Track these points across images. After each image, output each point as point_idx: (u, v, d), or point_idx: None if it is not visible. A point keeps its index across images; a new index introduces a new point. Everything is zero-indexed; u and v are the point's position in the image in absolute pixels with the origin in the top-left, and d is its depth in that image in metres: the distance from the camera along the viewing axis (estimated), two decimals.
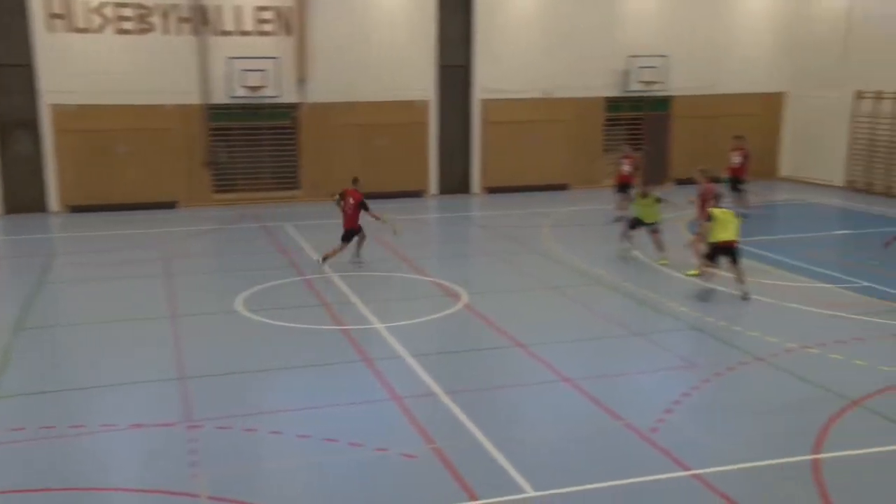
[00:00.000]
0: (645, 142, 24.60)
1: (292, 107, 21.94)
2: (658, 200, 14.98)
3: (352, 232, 14.55)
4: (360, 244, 14.75)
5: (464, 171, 23.68)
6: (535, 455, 7.76)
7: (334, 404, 8.82)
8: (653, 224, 15.09)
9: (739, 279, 12.70)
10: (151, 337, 10.98)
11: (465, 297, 12.74)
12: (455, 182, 23.61)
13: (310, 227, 18.33)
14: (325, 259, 14.40)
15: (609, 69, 23.78)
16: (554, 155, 24.01)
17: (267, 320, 11.61)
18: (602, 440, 8.08)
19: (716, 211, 12.85)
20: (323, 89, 21.90)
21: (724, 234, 12.64)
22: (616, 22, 23.73)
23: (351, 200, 14.53)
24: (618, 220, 17.62)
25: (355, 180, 14.98)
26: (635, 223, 15.27)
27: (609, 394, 9.12)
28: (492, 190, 23.65)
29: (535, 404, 8.91)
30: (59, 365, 10.15)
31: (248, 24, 21.32)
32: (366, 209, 14.45)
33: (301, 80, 21.73)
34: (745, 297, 12.59)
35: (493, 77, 23.09)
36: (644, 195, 15.18)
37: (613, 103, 24.28)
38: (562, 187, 23.98)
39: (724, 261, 12.76)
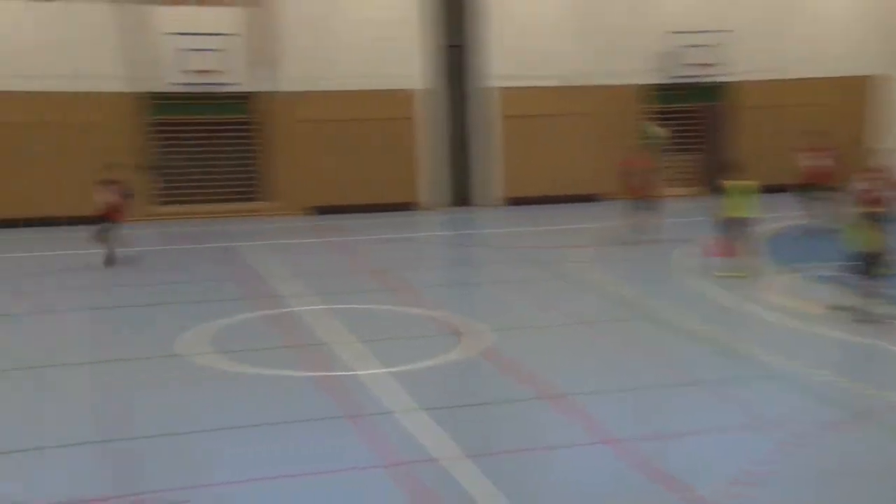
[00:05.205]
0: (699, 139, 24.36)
1: (247, 97, 21.44)
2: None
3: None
4: None
5: (464, 178, 23.27)
6: None
7: (304, 473, 8.19)
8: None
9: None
10: (63, 388, 10.39)
11: (475, 336, 12.23)
12: (457, 191, 23.21)
13: (277, 248, 17.84)
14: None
15: (646, 50, 23.43)
16: (579, 157, 23.65)
17: (217, 366, 11.05)
18: None
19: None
20: (289, 75, 21.43)
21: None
22: None
23: None
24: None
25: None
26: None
27: (669, 458, 8.52)
28: (515, 201, 23.42)
29: (576, 472, 8.30)
30: None
31: None
32: None
33: (264, 64, 21.18)
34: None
35: (505, 60, 22.70)
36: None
37: (662, 91, 24.03)
38: (588, 199, 23.61)
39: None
